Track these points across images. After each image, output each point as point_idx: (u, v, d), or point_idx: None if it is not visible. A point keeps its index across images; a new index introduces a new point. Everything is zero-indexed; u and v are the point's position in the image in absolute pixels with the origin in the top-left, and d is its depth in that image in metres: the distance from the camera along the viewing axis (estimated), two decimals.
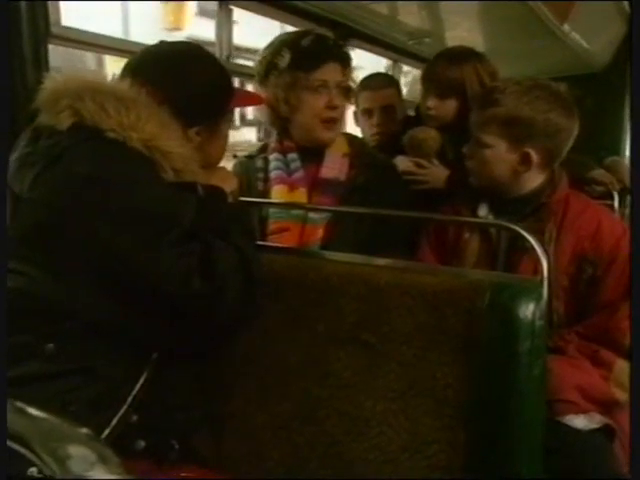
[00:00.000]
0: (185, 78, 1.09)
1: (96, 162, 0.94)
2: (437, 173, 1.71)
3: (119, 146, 0.95)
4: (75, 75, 1.04)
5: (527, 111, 1.30)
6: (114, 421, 0.95)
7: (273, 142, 1.63)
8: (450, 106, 1.72)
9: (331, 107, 1.50)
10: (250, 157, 1.66)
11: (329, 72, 1.50)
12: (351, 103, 1.66)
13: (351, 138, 1.67)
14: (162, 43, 1.18)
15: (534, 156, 1.33)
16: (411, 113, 2.17)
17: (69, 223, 0.91)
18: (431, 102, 1.73)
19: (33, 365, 0.91)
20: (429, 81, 1.76)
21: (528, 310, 0.92)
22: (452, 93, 1.70)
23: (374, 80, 2.09)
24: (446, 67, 1.70)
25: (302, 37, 1.54)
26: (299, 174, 1.55)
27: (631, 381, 0.91)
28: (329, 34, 1.56)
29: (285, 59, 1.51)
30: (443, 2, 2.16)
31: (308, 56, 1.50)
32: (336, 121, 1.53)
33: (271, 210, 1.54)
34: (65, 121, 0.97)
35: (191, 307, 0.93)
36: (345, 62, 1.53)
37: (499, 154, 1.34)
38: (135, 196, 0.93)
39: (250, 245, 1.05)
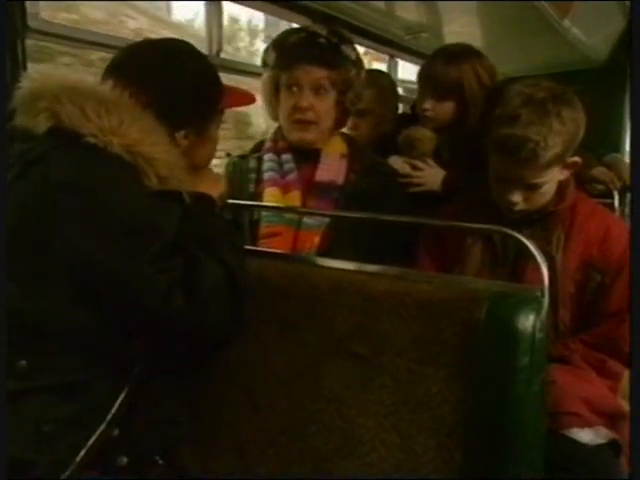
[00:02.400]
0: (171, 77, 1.04)
1: (74, 169, 0.89)
2: (433, 175, 1.66)
3: (99, 152, 0.90)
4: (54, 74, 0.99)
5: (574, 134, 1.24)
6: (93, 438, 0.90)
7: (269, 141, 1.57)
8: (448, 108, 1.66)
9: (298, 108, 1.44)
10: (243, 157, 1.61)
11: (303, 72, 1.43)
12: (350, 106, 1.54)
13: (349, 139, 1.60)
14: (146, 40, 1.12)
15: (577, 159, 1.29)
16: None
17: (44, 233, 0.86)
18: (428, 104, 1.67)
19: (6, 382, 0.86)
20: (426, 82, 1.69)
21: (528, 322, 0.88)
22: (450, 94, 1.64)
23: None
24: (444, 67, 1.63)
25: (292, 34, 1.49)
26: (293, 176, 1.49)
27: (631, 383, 0.89)
28: (323, 31, 1.47)
29: (271, 57, 1.49)
30: None
31: (287, 54, 1.46)
32: (306, 122, 1.45)
33: (263, 213, 1.48)
34: (42, 124, 0.92)
35: (173, 324, 0.89)
36: (332, 64, 1.44)
37: (554, 180, 1.29)
38: (115, 206, 0.88)
39: (238, 259, 1.00)
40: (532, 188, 1.26)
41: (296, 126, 1.46)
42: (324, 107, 1.46)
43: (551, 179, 1.27)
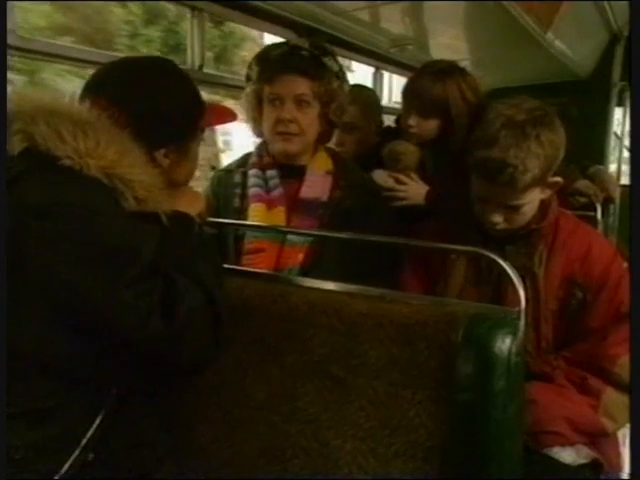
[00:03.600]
0: (151, 95, 1.03)
1: (49, 192, 0.87)
2: (417, 189, 1.66)
3: (75, 174, 0.89)
4: (29, 95, 0.97)
5: (552, 156, 1.23)
6: (67, 464, 0.89)
7: (254, 156, 1.57)
8: (432, 124, 1.66)
9: (281, 121, 1.44)
10: (228, 171, 1.60)
11: (285, 84, 1.44)
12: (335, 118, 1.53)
13: (334, 155, 1.60)
14: (125, 58, 1.11)
15: (559, 179, 1.29)
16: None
17: (18, 257, 0.84)
18: (413, 120, 1.66)
19: None
20: (411, 98, 1.69)
21: (504, 346, 0.88)
22: (435, 111, 1.64)
23: None
24: (429, 84, 1.63)
25: (274, 49, 1.49)
26: (278, 192, 1.49)
27: (632, 380, 0.88)
28: (305, 44, 1.48)
29: (254, 71, 1.49)
30: (427, 9, 2.11)
31: (269, 67, 1.46)
32: (290, 134, 1.45)
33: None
34: (16, 146, 0.90)
35: (150, 349, 0.88)
36: (314, 75, 1.45)
37: (535, 201, 1.29)
38: (92, 230, 0.87)
39: (217, 280, 0.99)
40: (512, 209, 1.26)
41: (279, 137, 1.46)
42: (307, 119, 1.46)
43: (531, 200, 1.26)
